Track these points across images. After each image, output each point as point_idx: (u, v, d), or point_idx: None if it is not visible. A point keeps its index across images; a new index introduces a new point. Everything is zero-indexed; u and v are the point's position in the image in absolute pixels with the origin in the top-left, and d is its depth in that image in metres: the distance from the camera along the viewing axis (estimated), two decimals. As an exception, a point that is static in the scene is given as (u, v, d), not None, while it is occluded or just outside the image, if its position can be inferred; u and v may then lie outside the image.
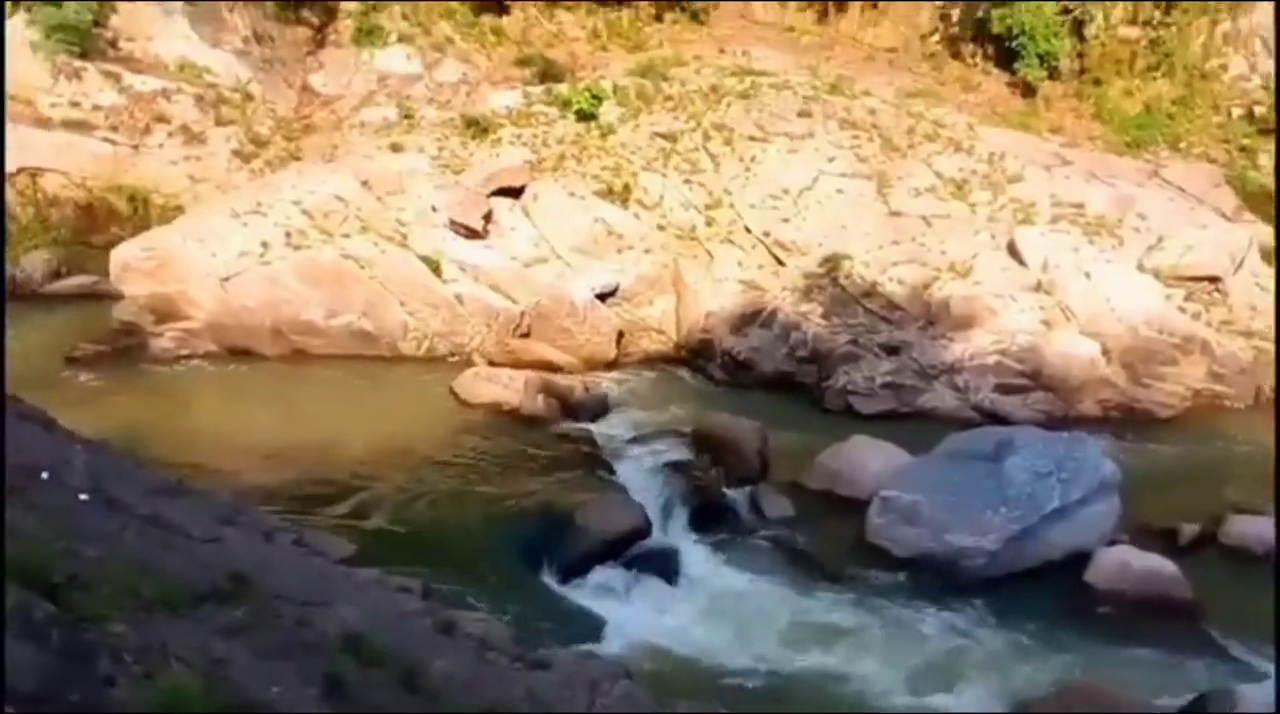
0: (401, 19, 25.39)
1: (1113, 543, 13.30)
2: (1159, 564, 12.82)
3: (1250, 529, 13.85)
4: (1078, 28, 24.61)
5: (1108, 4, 24.49)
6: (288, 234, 18.59)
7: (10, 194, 20.68)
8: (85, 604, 4.23)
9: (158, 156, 21.85)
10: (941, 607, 12.29)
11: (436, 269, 18.67)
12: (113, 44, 22.58)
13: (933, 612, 12.21)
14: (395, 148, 21.08)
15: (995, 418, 17.03)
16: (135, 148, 21.77)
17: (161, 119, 22.09)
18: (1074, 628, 12.03)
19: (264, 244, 18.43)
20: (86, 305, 19.02)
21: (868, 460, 14.69)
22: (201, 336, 17.98)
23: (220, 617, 5.08)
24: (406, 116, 22.93)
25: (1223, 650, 11.81)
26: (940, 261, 19.21)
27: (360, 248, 18.59)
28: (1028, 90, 24.61)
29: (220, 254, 18.28)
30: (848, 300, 18.87)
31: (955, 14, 26.09)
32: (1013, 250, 19.42)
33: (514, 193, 20.32)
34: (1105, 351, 18.12)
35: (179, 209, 20.98)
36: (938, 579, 12.72)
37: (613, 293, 19.38)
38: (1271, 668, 11.40)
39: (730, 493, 14.41)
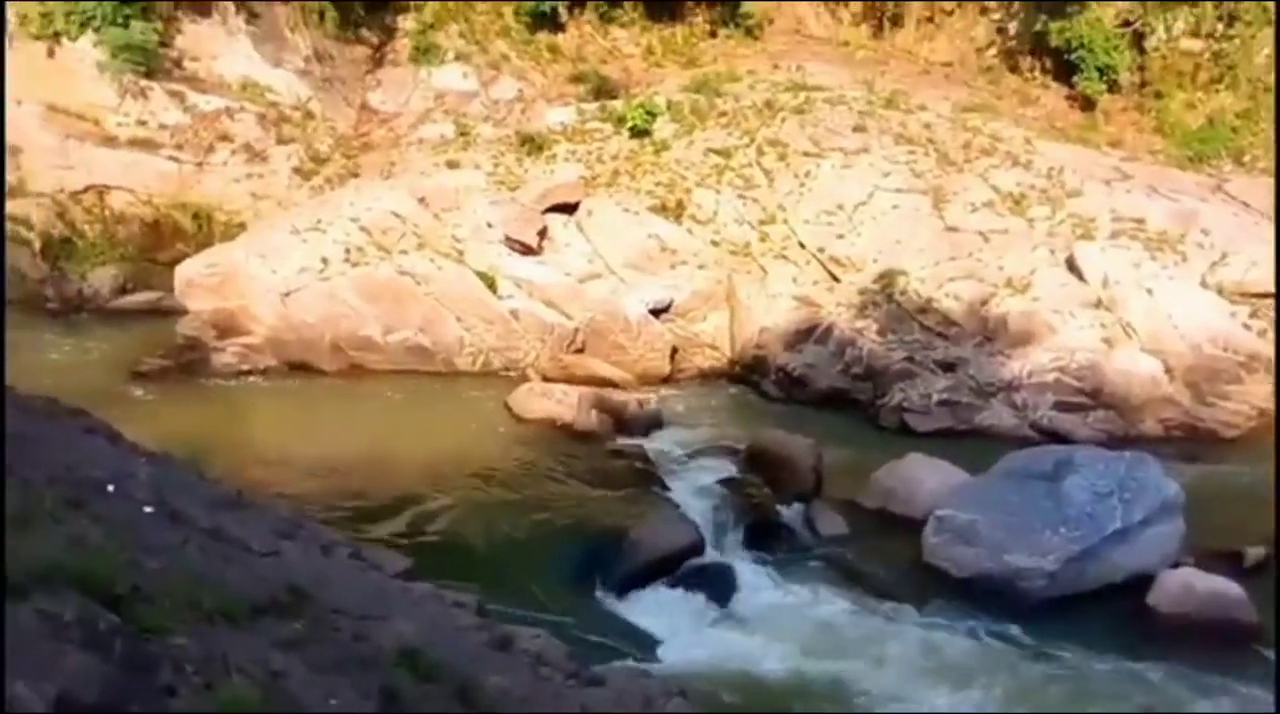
0: (458, 37, 25.71)
1: (1176, 565, 13.01)
2: (1224, 586, 12.52)
3: (1319, 552, 13.51)
4: (1138, 40, 24.28)
5: (1169, 16, 24.12)
6: (346, 250, 18.85)
7: (78, 212, 21.22)
8: (148, 616, 4.30)
9: (221, 174, 22.29)
10: (1000, 628, 12.11)
11: (492, 285, 18.83)
12: (177, 64, 23.08)
13: (990, 633, 12.03)
14: (451, 164, 21.30)
15: (1054, 436, 16.77)
16: (199, 165, 22.23)
17: (225, 137, 22.54)
18: (1136, 652, 11.78)
19: (323, 260, 18.71)
20: (152, 320, 19.42)
21: (923, 478, 14.54)
22: (262, 351, 18.26)
23: (279, 629, 5.14)
24: (463, 133, 23.17)
25: (1291, 676, 11.51)
26: (998, 277, 19.00)
27: (417, 264, 18.80)
28: (1087, 104, 24.31)
29: (281, 270, 18.58)
30: (903, 317, 18.73)
31: (1013, 27, 25.85)
32: (1072, 266, 19.16)
33: (568, 209, 20.43)
34: (1168, 370, 17.81)
35: (241, 226, 21.39)
36: (995, 600, 12.51)
37: (666, 308, 19.41)
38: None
39: (784, 510, 14.32)
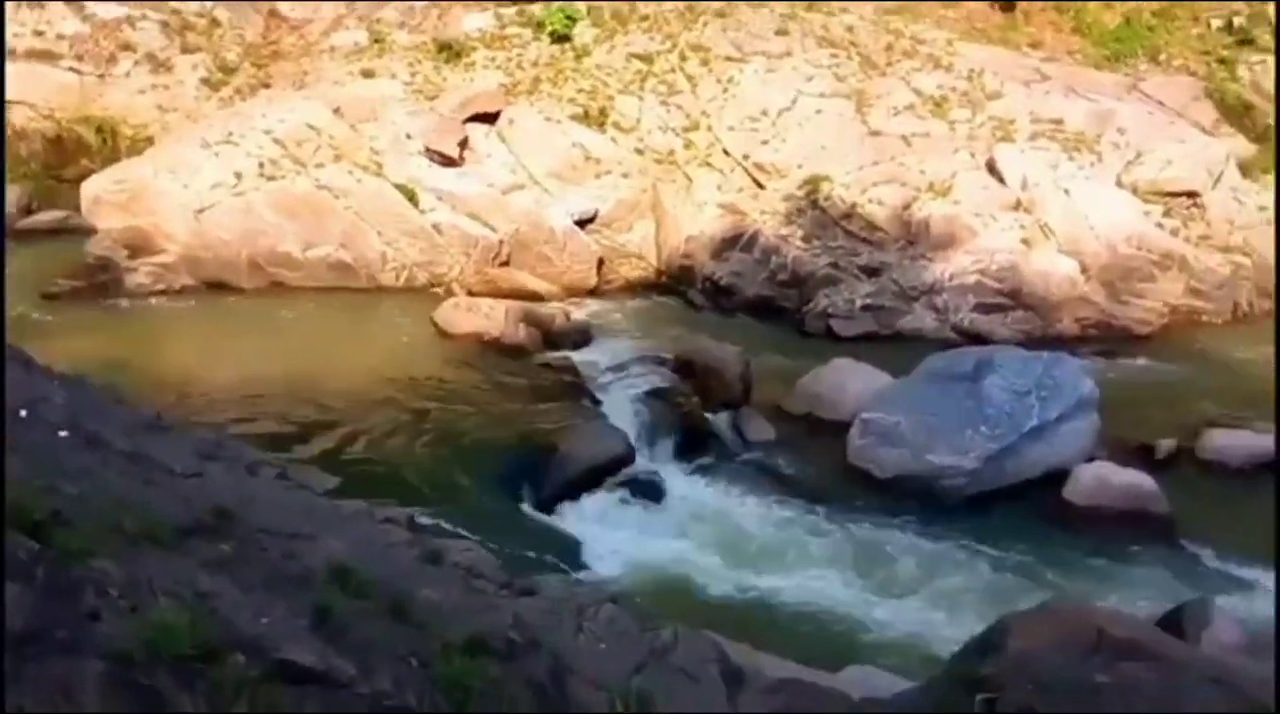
0: (369, -60, 24.79)
1: (1091, 459, 13.45)
2: (1136, 479, 12.98)
3: (1226, 442, 14.03)
4: (1058, -60, 24.27)
5: (1088, -85, 24.10)
6: (260, 164, 18.32)
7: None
8: (69, 541, 4.22)
9: (124, 86, 21.46)
10: (922, 526, 12.44)
11: (413, 198, 18.47)
12: (73, -30, 22.04)
13: (914, 531, 12.36)
14: (367, 74, 20.72)
15: (975, 338, 17.10)
16: (101, 77, 21.38)
17: (127, 47, 21.66)
18: (1053, 543, 12.21)
19: (237, 175, 18.18)
20: (59, 240, 18.77)
21: (848, 383, 14.76)
22: (177, 270, 17.78)
23: (206, 551, 5.07)
24: (377, 41, 22.49)
25: (1199, 562, 12.04)
26: (920, 181, 19.12)
27: (335, 177, 18.36)
28: (1007, 4, 24.30)
29: (192, 185, 18.02)
30: (828, 223, 18.80)
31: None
32: (992, 168, 19.35)
33: (489, 118, 20.04)
34: (1084, 270, 18.16)
35: (148, 140, 20.66)
36: (918, 499, 12.86)
37: (592, 219, 19.24)
38: (1248, 577, 11.68)
39: (713, 418, 14.47)
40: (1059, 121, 20.06)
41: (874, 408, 13.86)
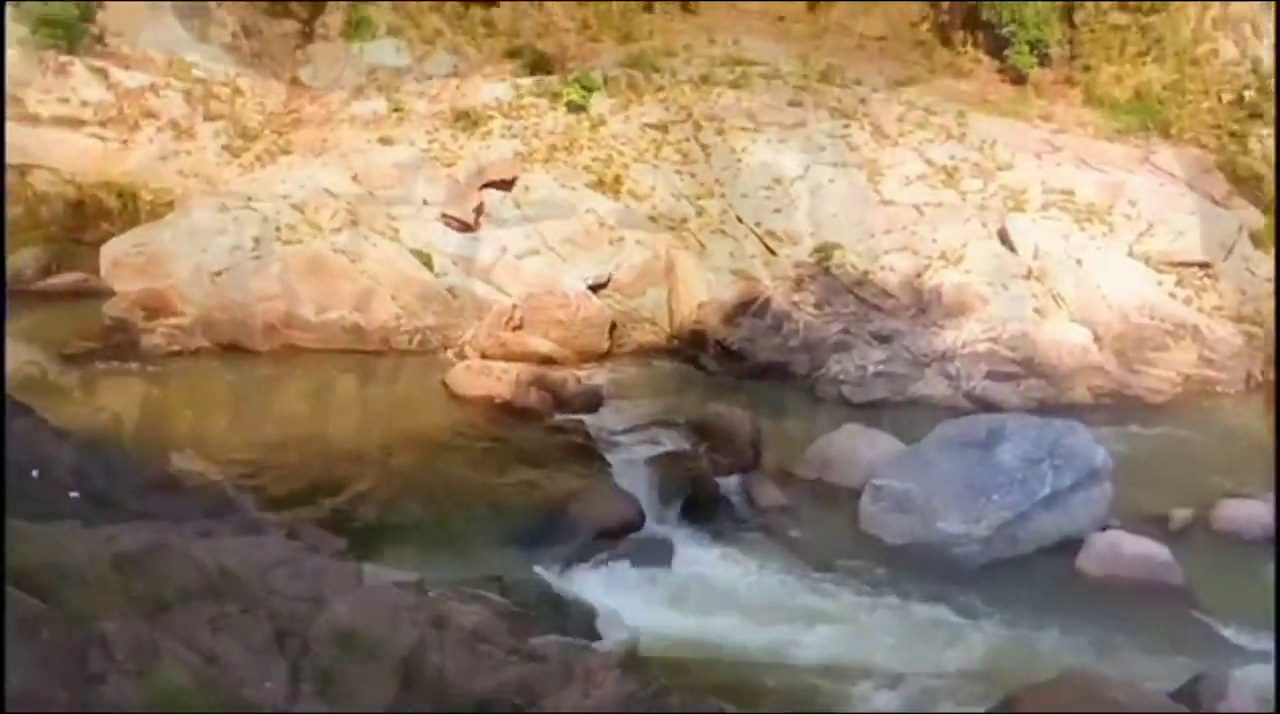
0: (391, 11, 25.34)
1: (1105, 528, 13.35)
2: (1151, 549, 12.86)
3: (1241, 513, 13.92)
4: (1068, 14, 24.65)
5: (1097, -11, 24.50)
6: (278, 229, 18.56)
7: (-2, 192, 20.62)
8: (74, 601, 4.24)
9: (146, 152, 21.78)
10: (934, 594, 12.31)
11: (428, 262, 18.67)
12: (100, 39, 22.48)
13: (925, 600, 12.22)
14: (385, 141, 21.03)
15: (987, 405, 17.05)
16: (124, 143, 21.70)
17: (150, 114, 22.02)
18: (1066, 614, 12.04)
19: (254, 239, 18.41)
20: (78, 302, 18.95)
21: (859, 449, 14.72)
22: (193, 332, 17.92)
23: (211, 612, 5.09)
24: (396, 109, 22.84)
25: (1214, 634, 11.86)
26: (931, 250, 19.24)
27: (351, 242, 18.57)
28: (1018, 77, 24.62)
29: (210, 249, 18.25)
30: (839, 289, 18.90)
31: (945, 2, 26.09)
32: (1004, 238, 19.46)
33: (505, 185, 20.30)
34: (1097, 338, 18.18)
35: (169, 204, 20.91)
36: (930, 567, 12.73)
37: (605, 284, 19.39)
38: (1265, 649, 11.51)
39: (723, 482, 14.41)
40: (1070, 192, 20.20)
41: (885, 474, 13.81)
